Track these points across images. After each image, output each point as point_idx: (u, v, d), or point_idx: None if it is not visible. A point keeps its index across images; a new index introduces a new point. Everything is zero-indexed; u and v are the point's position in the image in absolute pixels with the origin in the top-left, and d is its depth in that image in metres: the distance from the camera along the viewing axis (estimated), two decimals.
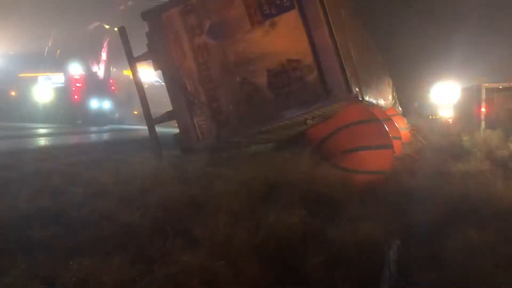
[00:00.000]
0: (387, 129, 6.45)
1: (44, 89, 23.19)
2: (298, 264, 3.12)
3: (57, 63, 23.23)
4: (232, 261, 3.02)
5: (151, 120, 7.09)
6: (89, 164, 6.66)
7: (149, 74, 20.30)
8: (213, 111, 6.42)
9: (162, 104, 9.04)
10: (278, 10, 5.98)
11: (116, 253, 3.18)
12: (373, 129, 6.21)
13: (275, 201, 4.41)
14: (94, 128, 19.35)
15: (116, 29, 8.96)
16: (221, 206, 4.12)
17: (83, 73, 23.04)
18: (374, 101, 7.91)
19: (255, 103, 6.15)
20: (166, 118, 7.05)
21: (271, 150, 7.31)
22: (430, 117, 18.98)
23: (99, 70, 23.64)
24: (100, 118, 22.61)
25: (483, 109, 13.52)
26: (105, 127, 20.44)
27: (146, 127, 7.24)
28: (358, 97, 5.97)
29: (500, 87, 13.76)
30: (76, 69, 22.83)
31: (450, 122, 16.82)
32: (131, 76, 7.59)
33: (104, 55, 23.50)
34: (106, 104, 23.90)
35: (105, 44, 23.27)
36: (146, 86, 7.87)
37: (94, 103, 23.12)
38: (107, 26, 22.97)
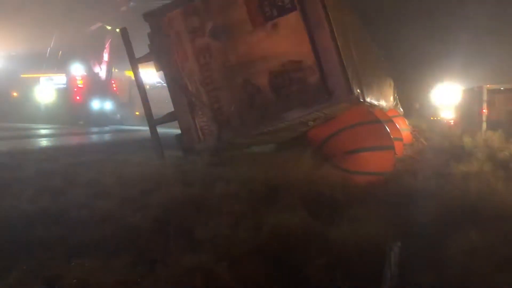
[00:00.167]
0: (389, 130, 6.45)
1: (46, 90, 23.24)
2: (299, 265, 3.12)
3: (59, 64, 23.28)
4: (233, 262, 3.03)
5: (152, 121, 7.10)
6: (90, 164, 6.67)
7: (150, 75, 20.31)
8: (214, 112, 6.43)
9: (164, 105, 9.06)
10: (279, 11, 5.99)
11: (117, 254, 3.19)
12: (374, 130, 6.21)
13: (276, 202, 4.41)
14: (95, 129, 19.37)
15: (118, 30, 8.96)
16: (223, 207, 4.13)
17: (85, 74, 23.07)
18: (376, 102, 7.93)
19: (257, 104, 6.16)
20: (167, 119, 7.07)
21: (272, 151, 7.32)
22: (432, 118, 18.96)
23: (101, 71, 23.67)
24: (101, 119, 22.63)
25: (484, 111, 13.52)
26: (107, 128, 20.46)
27: (147, 128, 7.25)
28: (359, 99, 5.98)
29: (502, 88, 13.76)
30: (78, 70, 22.87)
31: (452, 123, 16.80)
32: (132, 77, 7.61)
33: (106, 56, 23.53)
34: (108, 105, 23.92)
35: (107, 45, 23.30)
36: (147, 87, 7.89)
37: (96, 104, 23.15)
38: (109, 27, 23.00)
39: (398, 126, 8.57)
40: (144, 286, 2.82)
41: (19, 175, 5.64)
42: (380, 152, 6.10)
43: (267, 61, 6.07)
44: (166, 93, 7.04)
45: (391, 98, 12.18)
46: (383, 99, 9.61)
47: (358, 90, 5.97)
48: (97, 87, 23.20)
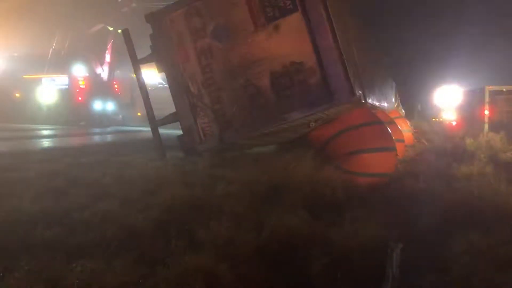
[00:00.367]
0: (390, 131, 6.45)
1: (48, 91, 23.26)
2: (301, 265, 3.12)
3: (61, 65, 23.29)
4: (235, 262, 3.03)
5: (154, 122, 7.11)
6: (92, 165, 6.68)
7: (152, 76, 20.34)
8: (216, 113, 6.43)
9: (166, 106, 9.07)
10: (281, 12, 5.99)
11: (119, 255, 3.19)
12: (376, 132, 6.21)
13: (278, 202, 4.41)
14: (97, 130, 19.39)
15: (120, 31, 9.00)
16: (224, 207, 4.13)
17: (87, 75, 23.12)
18: (377, 104, 7.92)
19: (258, 105, 6.16)
20: (169, 119, 7.07)
21: (274, 152, 7.32)
22: (433, 119, 18.92)
23: (103, 72, 23.71)
24: (103, 119, 22.67)
25: (486, 112, 13.49)
26: (109, 129, 20.48)
27: (149, 129, 7.27)
28: (361, 100, 5.97)
29: (504, 90, 13.73)
30: (80, 71, 22.91)
31: (453, 124, 16.78)
32: (134, 78, 7.62)
33: (108, 57, 23.58)
34: (110, 106, 23.96)
35: (109, 46, 23.35)
36: (149, 88, 7.90)
37: (98, 105, 23.19)
38: (111, 28, 23.04)
39: (399, 128, 8.57)
40: (145, 287, 2.82)
41: (21, 175, 5.65)
42: (381, 153, 6.09)
43: (268, 62, 6.07)
44: (167, 94, 7.05)
45: (393, 99, 12.17)
46: (384, 100, 9.60)
47: (359, 91, 5.96)
48: (99, 88, 23.24)
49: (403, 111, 13.94)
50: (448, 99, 17.34)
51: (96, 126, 20.96)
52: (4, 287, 2.78)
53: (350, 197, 4.83)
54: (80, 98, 22.82)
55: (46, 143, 12.90)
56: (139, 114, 24.27)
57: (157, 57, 6.85)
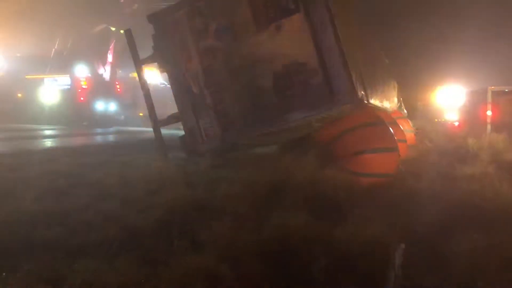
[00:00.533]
0: (393, 132, 6.43)
1: (50, 91, 23.29)
2: (303, 266, 3.12)
3: (63, 65, 23.32)
4: (236, 263, 3.03)
5: (156, 122, 7.12)
6: (94, 165, 6.68)
7: (155, 76, 20.36)
8: (218, 113, 6.43)
9: (168, 106, 9.07)
10: (283, 13, 5.99)
11: (121, 255, 3.19)
12: (378, 132, 6.19)
13: (280, 203, 4.41)
14: (99, 130, 19.41)
15: (122, 31, 9.03)
16: (226, 208, 4.13)
17: (89, 75, 23.15)
18: (380, 104, 7.90)
19: (260, 105, 6.16)
20: (171, 120, 7.08)
21: (276, 153, 7.31)
22: (436, 120, 18.88)
23: (105, 72, 23.74)
24: (105, 120, 22.68)
25: (489, 112, 13.46)
26: (111, 129, 20.49)
27: (151, 129, 7.27)
28: (363, 100, 5.97)
29: (506, 90, 13.69)
30: (82, 71, 22.94)
31: (456, 125, 16.75)
32: (137, 78, 7.63)
33: (110, 57, 23.60)
34: (112, 106, 23.98)
35: (111, 46, 23.37)
36: (151, 88, 7.90)
37: (100, 105, 23.22)
38: (113, 29, 23.07)
39: (402, 128, 8.54)
40: (147, 287, 2.82)
41: (23, 175, 5.66)
42: (384, 154, 6.07)
43: (271, 63, 6.07)
44: (170, 94, 7.05)
45: (395, 100, 12.13)
46: (387, 101, 9.57)
47: (362, 92, 5.95)
48: (101, 88, 23.27)
49: (405, 111, 13.90)
50: (450, 99, 17.32)
51: (98, 126, 20.98)
52: (7, 287, 2.79)
53: (352, 197, 4.82)
54: (82, 99, 22.85)
55: (48, 143, 12.92)
56: (141, 114, 24.25)
57: (159, 58, 6.86)
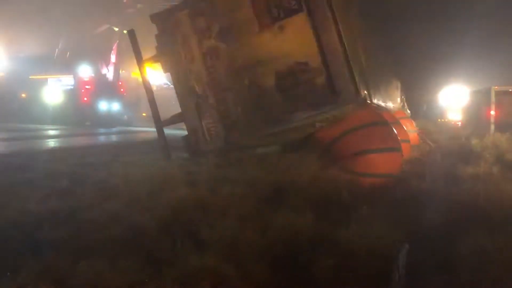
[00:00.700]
0: (396, 132, 6.42)
1: (54, 91, 23.40)
2: (307, 266, 3.12)
3: (67, 66, 23.43)
4: (240, 263, 3.03)
5: (159, 122, 7.13)
6: (98, 165, 6.70)
7: (158, 76, 20.40)
8: (221, 113, 6.44)
9: (171, 106, 9.09)
10: (286, 13, 5.99)
11: (125, 255, 3.19)
12: (381, 132, 6.18)
13: (283, 203, 4.40)
14: (103, 130, 19.47)
15: (125, 31, 9.04)
16: (229, 208, 4.13)
17: (93, 75, 23.23)
18: (383, 104, 7.89)
19: (263, 105, 6.16)
20: (174, 120, 7.09)
21: (279, 153, 7.30)
22: (439, 120, 18.84)
23: (108, 72, 23.82)
24: (109, 120, 22.75)
25: (492, 112, 13.42)
26: (114, 129, 20.56)
27: (154, 129, 7.28)
28: (366, 100, 5.96)
29: (510, 90, 13.65)
30: (85, 71, 23.03)
31: (459, 125, 16.71)
32: (140, 78, 7.64)
33: (113, 58, 23.68)
34: (115, 106, 24.06)
35: (114, 47, 23.44)
36: (154, 88, 7.93)
37: (103, 105, 23.30)
38: (116, 29, 23.16)
39: (405, 128, 8.53)
40: (151, 287, 2.82)
41: (27, 175, 5.68)
42: (387, 154, 6.07)
43: (273, 62, 6.07)
44: (173, 95, 7.06)
45: (398, 100, 12.12)
46: (390, 101, 9.56)
47: (365, 92, 5.95)
48: (105, 88, 23.35)
49: (409, 111, 13.87)
50: (454, 99, 17.29)
51: (101, 126, 21.04)
52: (12, 287, 2.80)
53: (356, 197, 4.81)
54: (85, 99, 22.94)
55: (52, 143, 12.97)
56: (144, 114, 24.37)
57: (163, 58, 6.86)
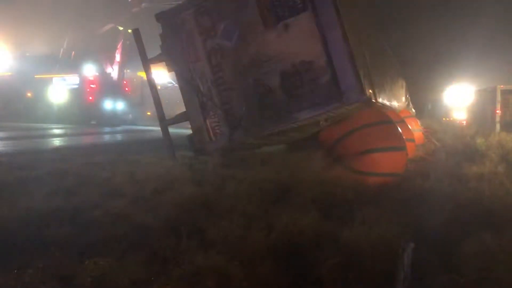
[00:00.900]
0: (401, 131, 6.41)
1: (59, 90, 23.50)
2: (311, 265, 3.12)
3: (72, 65, 23.51)
4: (245, 261, 3.04)
5: (164, 121, 7.15)
6: (103, 164, 6.72)
7: (162, 76, 20.44)
8: (226, 112, 6.44)
9: (175, 105, 9.12)
10: (291, 12, 5.98)
11: (130, 253, 3.21)
12: (386, 131, 6.17)
13: (288, 202, 4.41)
14: (108, 129, 19.52)
15: (130, 31, 9.07)
16: (234, 207, 4.14)
17: (97, 74, 23.29)
18: (388, 103, 7.88)
19: (268, 104, 6.16)
20: (179, 119, 7.10)
21: (284, 152, 7.31)
22: (444, 119, 18.77)
23: (113, 71, 23.87)
24: (113, 119, 22.82)
25: (498, 111, 13.37)
26: (119, 128, 20.62)
27: (159, 128, 7.30)
28: (371, 99, 5.95)
29: None
30: (90, 70, 23.10)
31: (464, 124, 16.64)
32: (144, 78, 7.66)
33: (118, 57, 23.73)
34: (120, 105, 24.12)
35: (119, 46, 23.50)
36: (159, 88, 7.94)
37: (108, 104, 23.36)
38: (121, 28, 23.19)
39: (410, 127, 8.51)
40: (156, 285, 2.84)
41: (33, 174, 5.70)
42: (392, 153, 6.06)
43: (278, 62, 6.07)
44: (177, 94, 7.08)
45: (403, 99, 12.10)
46: (395, 100, 9.54)
47: (370, 91, 5.94)
48: (109, 87, 23.41)
49: (414, 110, 13.83)
50: (459, 98, 17.22)
51: (106, 125, 21.11)
52: (19, 284, 2.82)
53: (360, 197, 4.81)
54: (90, 98, 23.01)
55: (57, 142, 13.02)
56: (148, 113, 24.43)
57: (167, 57, 6.88)
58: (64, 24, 22.43)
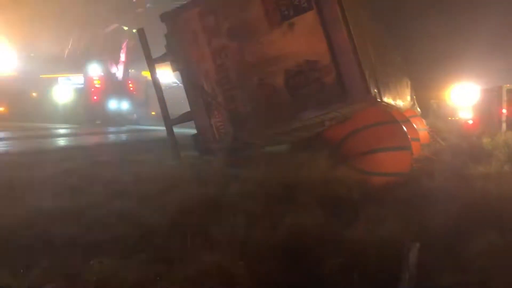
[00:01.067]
0: (406, 130, 6.39)
1: (64, 90, 23.59)
2: (316, 264, 3.12)
3: (76, 65, 23.59)
4: (250, 261, 3.04)
5: (169, 121, 7.15)
6: (108, 164, 6.74)
7: (167, 75, 20.46)
8: (230, 112, 6.44)
9: (180, 105, 9.12)
10: (296, 11, 5.97)
11: (136, 253, 3.22)
12: (391, 131, 6.16)
13: (293, 202, 4.41)
14: (112, 129, 19.57)
15: (134, 31, 9.09)
16: (239, 206, 4.14)
17: (102, 74, 23.34)
18: (393, 102, 7.85)
19: (273, 104, 6.15)
20: (184, 119, 7.11)
21: (288, 151, 7.30)
22: (449, 118, 18.67)
23: (118, 71, 23.91)
24: (118, 118, 22.87)
25: (504, 111, 13.28)
26: (124, 128, 20.66)
27: (164, 128, 7.31)
28: (376, 99, 5.93)
29: None
30: (95, 70, 23.15)
31: (470, 123, 16.54)
32: (149, 77, 7.67)
33: (123, 57, 23.77)
34: (125, 105, 24.15)
35: (123, 46, 23.54)
36: (164, 87, 7.94)
37: (113, 104, 23.40)
38: (125, 28, 23.24)
39: (415, 126, 8.48)
40: (162, 284, 2.84)
41: (39, 174, 5.73)
42: (397, 152, 6.04)
43: (283, 61, 6.06)
44: (182, 93, 7.08)
45: (408, 98, 12.04)
46: (400, 99, 9.50)
47: (375, 90, 5.92)
48: (114, 87, 23.45)
49: (419, 109, 13.77)
50: (464, 97, 17.11)
51: (111, 125, 21.16)
52: (25, 283, 2.83)
53: (365, 196, 4.80)
54: (95, 97, 23.05)
55: (62, 142, 13.08)
56: (153, 113, 24.42)
57: (172, 57, 6.88)
58: (69, 24, 22.51)
